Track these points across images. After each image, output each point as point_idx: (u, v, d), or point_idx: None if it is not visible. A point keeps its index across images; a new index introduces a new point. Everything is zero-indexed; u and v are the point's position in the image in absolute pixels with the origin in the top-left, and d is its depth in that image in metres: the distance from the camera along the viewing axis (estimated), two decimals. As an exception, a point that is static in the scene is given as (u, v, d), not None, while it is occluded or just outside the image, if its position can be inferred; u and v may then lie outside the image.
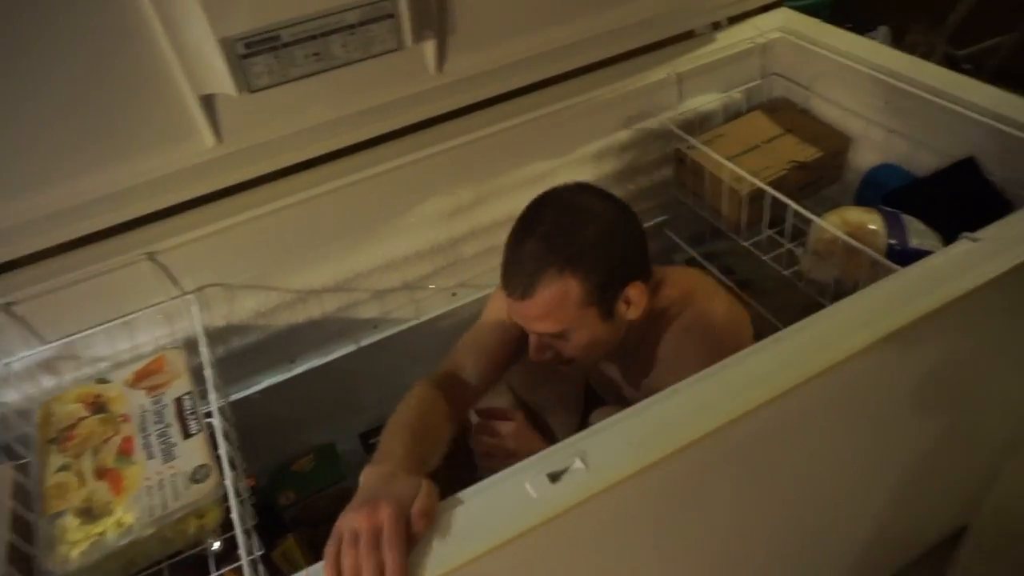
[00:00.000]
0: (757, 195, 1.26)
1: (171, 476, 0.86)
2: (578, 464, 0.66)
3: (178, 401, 0.95)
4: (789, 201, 1.18)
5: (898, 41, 2.51)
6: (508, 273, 0.94)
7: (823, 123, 1.42)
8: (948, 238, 1.08)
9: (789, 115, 1.44)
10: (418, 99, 1.16)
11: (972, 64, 2.57)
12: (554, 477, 0.65)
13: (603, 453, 0.67)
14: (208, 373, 0.99)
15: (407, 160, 1.22)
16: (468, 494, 0.67)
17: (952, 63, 2.51)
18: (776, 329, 0.78)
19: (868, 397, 0.88)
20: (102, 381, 0.99)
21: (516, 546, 0.63)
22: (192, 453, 0.88)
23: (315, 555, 1.19)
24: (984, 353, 1.00)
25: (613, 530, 0.76)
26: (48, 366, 1.09)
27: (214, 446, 0.90)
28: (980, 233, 0.84)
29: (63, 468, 0.88)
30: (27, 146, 0.93)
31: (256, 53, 0.96)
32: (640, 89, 1.37)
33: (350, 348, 1.35)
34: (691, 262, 1.56)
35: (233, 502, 0.84)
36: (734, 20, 1.46)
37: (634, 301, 0.96)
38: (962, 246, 0.84)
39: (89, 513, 0.82)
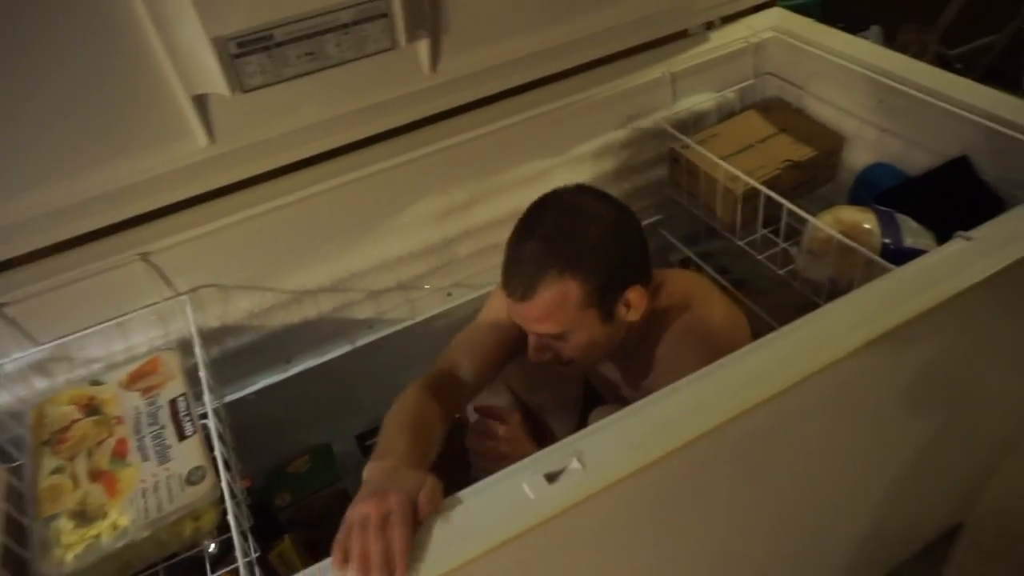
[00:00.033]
0: (751, 194, 1.26)
1: (166, 478, 0.85)
2: (575, 464, 0.66)
3: (173, 403, 0.95)
4: (783, 200, 1.18)
5: (890, 41, 2.52)
6: (508, 274, 0.95)
7: (817, 122, 1.42)
8: (942, 237, 1.09)
9: (783, 114, 1.44)
10: (412, 99, 1.16)
11: (963, 63, 2.58)
12: (551, 477, 0.65)
13: (600, 453, 0.67)
14: (203, 374, 0.99)
15: (401, 160, 1.22)
16: (465, 495, 0.67)
17: (943, 62, 2.52)
18: (771, 328, 0.78)
19: (864, 396, 0.88)
20: (96, 383, 0.99)
21: (514, 547, 0.63)
22: (187, 455, 0.88)
23: (311, 556, 1.20)
24: (979, 351, 1.00)
25: (611, 530, 0.76)
26: (41, 368, 1.08)
27: (209, 448, 0.89)
28: (974, 232, 0.85)
29: (57, 470, 0.87)
30: (19, 147, 0.93)
31: (249, 53, 0.96)
32: (634, 89, 1.37)
33: (346, 348, 1.35)
34: (686, 262, 1.57)
35: (229, 504, 0.83)
36: (727, 20, 1.46)
37: (634, 304, 0.97)
38: (956, 245, 0.84)
39: (84, 516, 0.82)
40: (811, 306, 1.11)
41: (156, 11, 0.89)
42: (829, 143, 1.37)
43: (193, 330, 1.08)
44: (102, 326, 1.07)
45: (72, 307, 1.07)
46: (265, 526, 1.17)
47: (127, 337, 1.13)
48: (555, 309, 0.92)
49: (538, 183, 1.36)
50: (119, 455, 0.89)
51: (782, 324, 0.79)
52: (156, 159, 1.02)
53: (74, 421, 0.93)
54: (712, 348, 0.76)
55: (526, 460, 0.68)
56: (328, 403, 1.38)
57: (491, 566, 0.64)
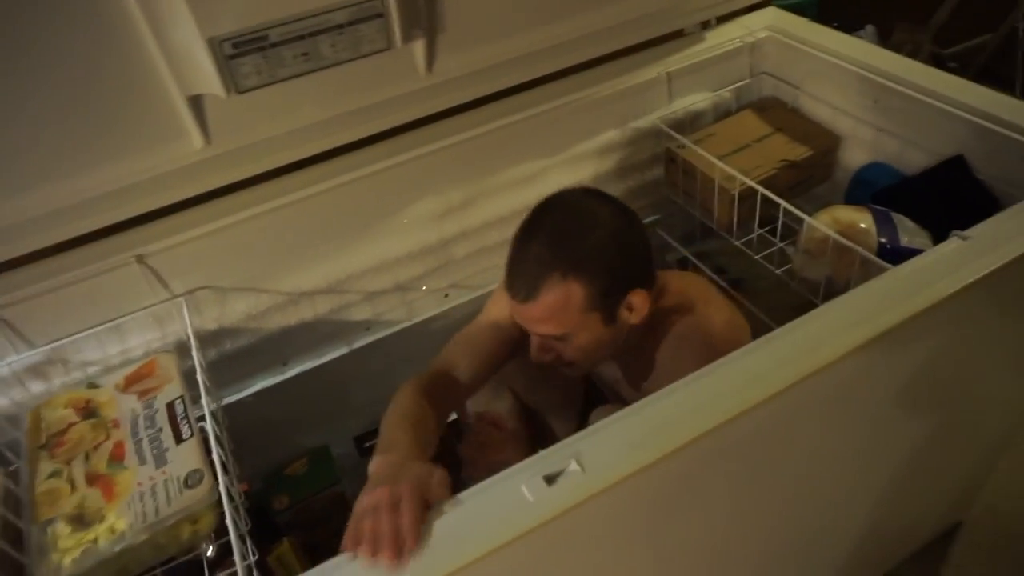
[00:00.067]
0: (748, 194, 1.27)
1: (164, 481, 0.85)
2: (574, 466, 0.66)
3: (170, 405, 0.94)
4: (780, 200, 1.19)
5: (884, 40, 2.52)
6: (512, 275, 0.95)
7: (813, 122, 1.42)
8: (938, 236, 1.09)
9: (779, 114, 1.45)
10: (408, 99, 1.16)
11: (957, 63, 2.59)
12: (550, 480, 0.65)
13: (599, 455, 0.67)
14: (200, 377, 0.99)
15: (397, 161, 1.21)
16: (464, 497, 0.67)
17: (938, 62, 2.53)
18: (769, 328, 0.78)
19: (862, 395, 0.89)
20: (92, 386, 0.99)
21: (512, 550, 0.63)
22: (185, 458, 0.87)
23: (310, 559, 1.19)
24: (975, 350, 1.00)
25: (610, 532, 0.76)
26: (37, 371, 1.08)
27: (207, 451, 0.89)
28: (970, 231, 0.85)
29: (54, 474, 0.87)
30: (13, 148, 0.92)
31: (244, 54, 0.96)
32: (630, 89, 1.37)
33: (342, 350, 1.34)
34: (682, 261, 1.57)
35: (227, 507, 0.83)
36: (723, 19, 1.46)
37: (637, 307, 0.97)
38: (953, 244, 0.84)
39: (81, 520, 0.82)
40: (808, 306, 1.12)
41: (151, 12, 0.88)
42: (825, 142, 1.38)
43: (190, 332, 1.07)
44: (98, 329, 1.07)
45: (68, 309, 1.06)
46: (263, 529, 1.17)
47: (123, 340, 1.12)
48: (558, 311, 0.92)
49: (534, 183, 1.37)
50: (116, 458, 0.88)
51: (779, 324, 0.79)
52: (151, 160, 1.01)
53: (71, 424, 0.93)
54: (713, 351, 0.76)
55: (525, 462, 0.68)
56: (325, 405, 1.38)
57: (490, 569, 0.64)
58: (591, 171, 1.41)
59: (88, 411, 0.95)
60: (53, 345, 1.05)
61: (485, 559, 0.62)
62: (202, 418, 0.94)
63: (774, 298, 1.37)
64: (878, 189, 1.24)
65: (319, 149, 1.15)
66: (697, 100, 1.45)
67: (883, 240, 1.09)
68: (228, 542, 0.81)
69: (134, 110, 0.96)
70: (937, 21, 2.52)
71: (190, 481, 0.85)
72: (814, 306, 0.81)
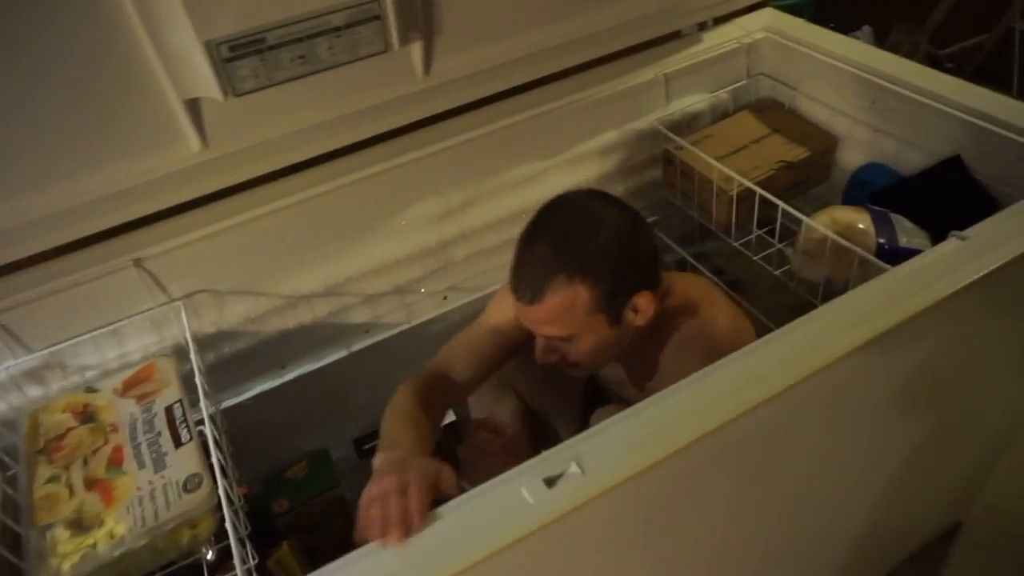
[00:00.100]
0: (746, 195, 1.27)
1: (163, 486, 0.85)
2: (574, 468, 0.66)
3: (168, 409, 0.94)
4: (778, 201, 1.19)
5: (881, 41, 2.53)
6: (517, 276, 0.95)
7: (810, 123, 1.43)
8: (936, 236, 1.09)
9: (776, 115, 1.45)
10: (406, 101, 1.16)
11: (954, 63, 2.59)
12: (550, 482, 0.65)
13: (599, 457, 0.67)
14: (198, 380, 0.99)
15: (396, 163, 1.21)
16: (464, 500, 0.67)
17: (934, 62, 2.54)
18: (768, 329, 0.78)
19: (861, 396, 0.89)
20: (91, 390, 0.98)
21: (512, 552, 0.63)
22: (184, 462, 0.87)
23: (310, 563, 1.19)
24: (975, 350, 1.01)
25: (610, 534, 0.76)
26: (34, 375, 1.08)
27: (206, 454, 0.89)
28: (969, 231, 0.85)
29: (52, 479, 0.87)
30: (10, 152, 0.92)
31: (241, 56, 0.96)
32: (627, 90, 1.38)
33: (341, 353, 1.34)
34: (681, 263, 1.57)
35: (226, 511, 0.83)
36: (719, 20, 1.46)
37: (642, 309, 0.97)
38: (951, 244, 0.84)
39: (80, 524, 0.81)
40: (807, 306, 1.12)
41: (147, 15, 0.88)
42: (822, 143, 1.38)
43: (188, 336, 1.07)
44: (96, 333, 1.07)
45: (65, 314, 1.06)
46: (263, 533, 1.16)
47: (121, 344, 1.12)
48: (563, 313, 0.92)
49: (533, 185, 1.37)
50: (115, 463, 0.88)
51: (778, 324, 0.79)
52: (149, 164, 1.01)
53: (69, 429, 0.93)
54: (716, 354, 0.76)
55: (525, 464, 0.68)
56: (325, 408, 1.38)
57: (490, 572, 0.64)
58: (589, 173, 1.41)
59: (86, 415, 0.95)
60: (51, 349, 1.05)
61: (485, 562, 0.62)
62: (201, 422, 0.94)
63: (773, 299, 1.37)
64: (876, 189, 1.24)
65: (317, 152, 1.15)
66: (694, 101, 1.45)
67: (882, 241, 1.09)
68: (228, 546, 0.81)
69: (131, 114, 0.96)
70: (933, 21, 2.53)
71: (189, 485, 0.85)
72: (813, 307, 0.81)
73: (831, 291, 1.15)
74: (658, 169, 1.48)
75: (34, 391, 1.08)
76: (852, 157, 1.37)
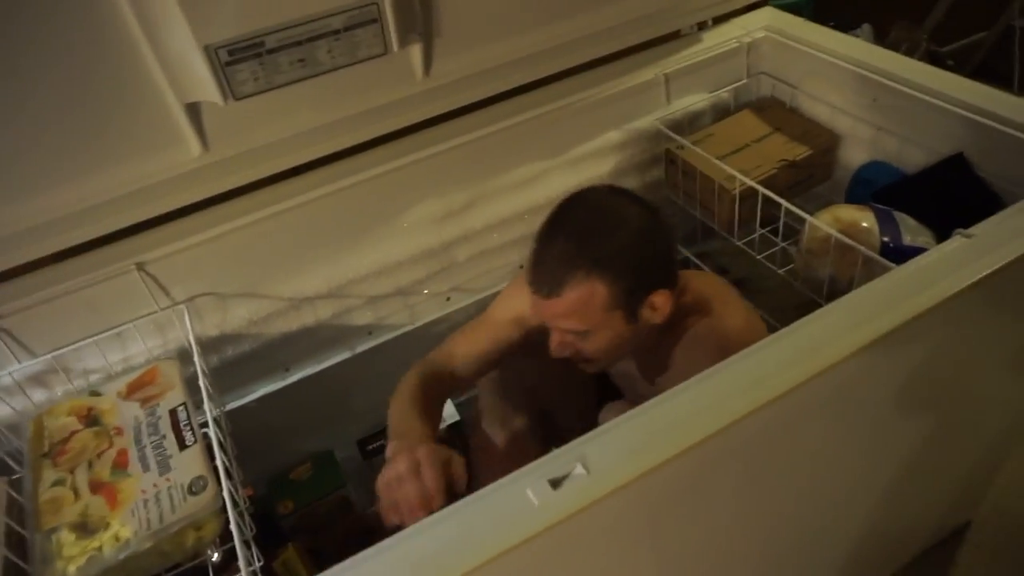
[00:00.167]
0: (748, 194, 1.27)
1: (168, 488, 0.85)
2: (579, 469, 0.66)
3: (173, 412, 0.94)
4: (781, 200, 1.19)
5: (881, 39, 2.53)
6: (535, 270, 0.95)
7: (812, 121, 1.42)
8: (939, 234, 1.09)
9: (777, 114, 1.45)
10: (406, 103, 1.16)
11: (954, 60, 2.59)
12: (555, 483, 0.65)
13: (604, 458, 0.67)
14: (202, 383, 0.99)
15: (397, 165, 1.21)
16: (468, 502, 0.67)
17: (935, 60, 2.53)
18: (773, 328, 0.78)
19: (865, 396, 0.88)
20: (95, 393, 0.99)
21: (517, 554, 0.63)
22: (188, 465, 0.87)
23: (315, 564, 1.19)
24: (981, 349, 1.00)
25: (615, 535, 0.76)
26: (39, 380, 1.08)
27: (211, 457, 0.89)
28: (974, 229, 0.85)
29: (57, 483, 0.87)
30: (12, 158, 0.92)
31: (240, 60, 0.96)
32: (628, 90, 1.38)
33: (345, 355, 1.34)
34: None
35: (231, 513, 0.83)
36: (719, 20, 1.46)
37: (659, 307, 0.97)
38: (956, 242, 0.84)
39: (85, 528, 0.82)
40: (811, 305, 1.12)
41: (146, 20, 0.88)
42: (824, 141, 1.38)
43: (191, 339, 1.07)
44: (99, 336, 1.07)
45: (69, 318, 1.06)
46: (268, 534, 1.17)
47: (125, 347, 1.12)
48: (580, 308, 0.93)
49: (534, 185, 1.37)
50: (120, 466, 0.88)
51: (783, 323, 0.79)
52: (150, 168, 1.01)
53: (74, 432, 0.93)
54: (727, 353, 0.76)
55: (530, 465, 0.67)
56: (329, 409, 1.38)
57: (495, 574, 0.64)
58: (591, 173, 1.41)
59: (91, 419, 0.95)
60: (55, 353, 1.05)
61: (490, 564, 0.62)
62: (205, 424, 0.94)
63: (777, 298, 1.37)
64: (879, 188, 1.24)
65: (318, 154, 1.15)
66: (695, 101, 1.45)
67: (886, 239, 1.09)
68: (233, 548, 0.81)
69: (131, 118, 0.96)
70: (933, 19, 2.52)
71: (194, 488, 0.85)
72: (818, 305, 0.81)
73: (835, 290, 1.15)
74: (660, 169, 1.48)
75: (38, 395, 1.08)
76: (854, 155, 1.36)
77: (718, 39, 1.43)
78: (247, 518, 0.88)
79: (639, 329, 0.98)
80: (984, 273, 0.79)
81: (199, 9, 0.89)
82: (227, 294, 1.18)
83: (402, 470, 0.79)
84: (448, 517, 0.66)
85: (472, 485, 0.80)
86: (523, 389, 1.21)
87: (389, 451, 0.85)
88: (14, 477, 0.94)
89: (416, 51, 1.10)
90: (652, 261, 0.96)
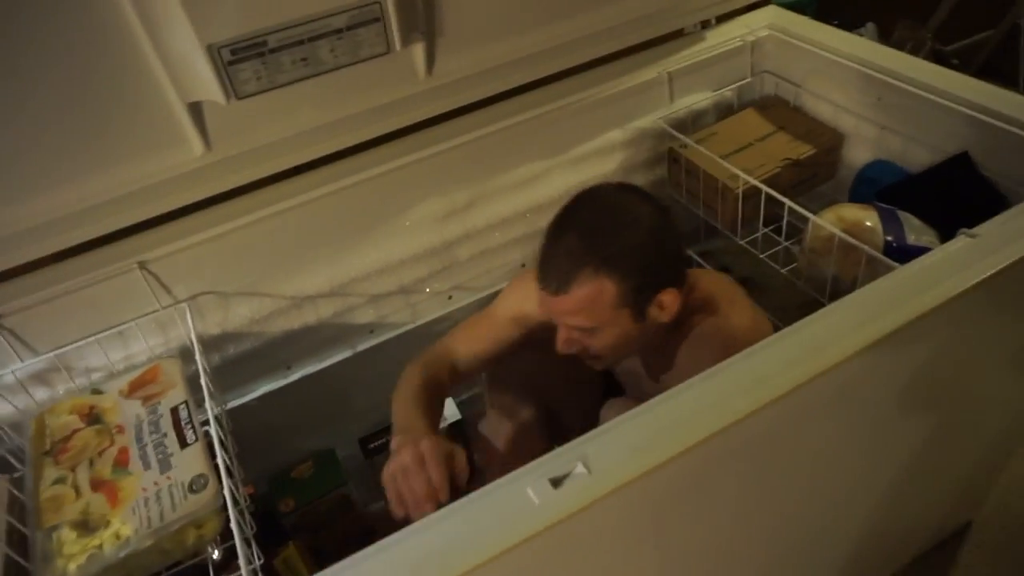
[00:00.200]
0: (751, 193, 1.26)
1: (168, 486, 0.85)
2: (580, 468, 0.66)
3: (174, 410, 0.94)
4: (784, 199, 1.18)
5: (885, 37, 2.52)
6: (544, 267, 0.95)
7: (815, 120, 1.42)
8: (944, 233, 1.09)
9: (781, 112, 1.44)
10: (408, 102, 1.16)
11: (959, 59, 2.58)
12: (556, 482, 0.65)
13: (605, 457, 0.67)
14: (204, 381, 0.99)
15: (399, 163, 1.21)
16: (469, 500, 0.67)
17: (939, 58, 2.52)
18: (776, 328, 0.78)
19: (868, 395, 0.88)
20: (96, 392, 0.99)
21: (518, 553, 0.63)
22: (189, 463, 0.87)
23: (316, 562, 1.19)
24: (985, 349, 1.00)
25: (616, 534, 0.76)
26: (40, 378, 1.08)
27: (212, 455, 0.89)
28: (978, 229, 0.84)
29: (58, 481, 0.87)
30: (14, 157, 0.92)
31: (243, 60, 0.96)
32: (631, 89, 1.37)
33: (346, 354, 1.34)
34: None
35: (232, 511, 0.83)
36: (723, 18, 1.46)
37: (667, 305, 0.97)
38: (960, 242, 0.84)
39: (86, 526, 0.82)
40: (814, 304, 1.11)
41: (149, 20, 0.88)
42: (828, 140, 1.37)
43: (193, 337, 1.07)
44: (101, 335, 1.07)
45: (71, 317, 1.06)
46: (269, 532, 1.17)
47: (127, 346, 1.12)
48: (588, 305, 0.93)
49: (537, 184, 1.36)
50: (121, 464, 0.88)
51: (786, 323, 0.78)
52: (152, 167, 1.01)
53: (75, 431, 0.93)
54: (731, 353, 0.75)
55: (531, 464, 0.67)
56: (330, 408, 1.38)
57: (495, 573, 0.64)
58: (594, 171, 1.40)
59: (92, 417, 0.95)
60: (57, 352, 1.05)
61: (491, 563, 0.62)
62: (206, 423, 0.94)
63: (780, 297, 1.37)
64: (883, 187, 1.23)
65: (320, 153, 1.15)
66: (698, 99, 1.45)
67: (889, 238, 1.08)
68: (234, 546, 0.81)
69: (134, 117, 0.96)
70: (938, 18, 2.51)
71: (195, 486, 0.85)
72: (821, 305, 0.81)
73: (838, 289, 1.14)
74: (663, 167, 1.48)
75: (40, 393, 1.08)
76: (858, 154, 1.36)
77: (721, 38, 1.43)
78: (248, 516, 0.88)
79: (646, 327, 0.98)
80: (988, 273, 0.79)
81: (202, 9, 0.89)
82: (229, 292, 1.18)
83: (407, 463, 0.82)
84: (449, 516, 0.66)
85: (479, 479, 0.83)
86: (529, 384, 1.22)
87: (393, 445, 0.87)
88: (15, 475, 0.94)
89: (418, 50, 1.10)
90: (661, 260, 0.96)
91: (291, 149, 1.11)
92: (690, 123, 1.44)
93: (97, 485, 0.86)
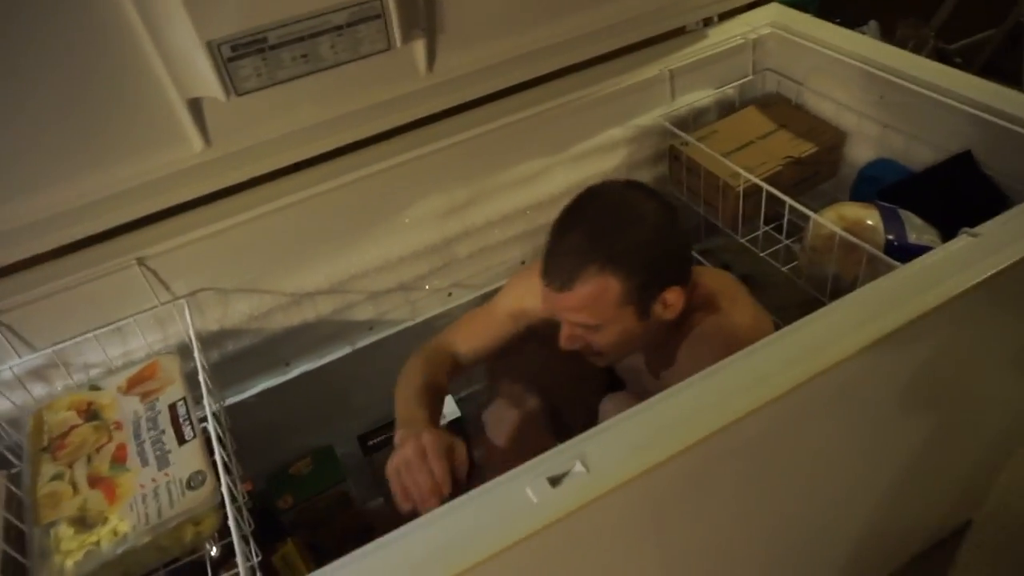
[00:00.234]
0: (753, 191, 1.26)
1: (166, 483, 0.85)
2: (579, 467, 0.65)
3: (172, 407, 0.94)
4: (785, 197, 1.18)
5: (888, 36, 2.51)
6: (549, 262, 0.95)
7: (817, 118, 1.41)
8: (945, 233, 1.08)
9: (783, 110, 1.44)
10: (409, 99, 1.15)
11: (962, 58, 2.58)
12: (554, 481, 0.65)
13: (604, 456, 0.66)
14: (202, 378, 0.98)
15: (400, 160, 1.21)
16: (467, 499, 0.66)
17: (942, 57, 2.52)
18: (777, 326, 0.78)
19: (868, 395, 0.88)
20: (94, 388, 0.98)
21: (516, 552, 0.63)
22: (187, 459, 0.87)
23: (315, 559, 1.19)
24: (985, 349, 1.00)
25: (615, 533, 0.76)
26: (39, 374, 1.08)
27: (210, 452, 0.89)
28: (980, 228, 0.84)
29: (56, 477, 0.87)
30: (14, 152, 0.92)
31: (243, 56, 0.95)
32: (633, 86, 1.37)
33: (346, 350, 1.34)
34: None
35: (229, 508, 0.82)
36: (725, 16, 1.45)
37: (671, 304, 0.97)
38: (962, 241, 0.83)
39: (83, 522, 0.81)
40: (815, 303, 1.11)
41: (148, 16, 0.88)
42: (830, 139, 1.37)
43: (191, 334, 1.07)
44: (100, 331, 1.07)
45: (69, 312, 1.06)
46: (268, 529, 1.17)
47: (125, 342, 1.12)
48: (592, 303, 0.93)
49: (537, 182, 1.36)
50: (119, 460, 0.88)
51: (786, 321, 0.78)
52: (152, 163, 1.01)
53: (73, 427, 0.93)
54: (732, 351, 0.75)
55: (529, 463, 0.67)
56: (329, 405, 1.38)
57: (494, 572, 0.64)
58: (595, 169, 1.40)
59: (90, 413, 0.94)
60: (55, 348, 1.05)
61: (489, 562, 0.62)
62: (204, 419, 0.94)
63: (781, 295, 1.36)
64: (884, 186, 1.23)
65: (320, 150, 1.14)
66: (700, 97, 1.44)
67: (890, 237, 1.08)
68: (232, 543, 0.81)
69: (134, 114, 0.96)
70: (941, 16, 2.51)
71: (192, 483, 0.84)
72: (821, 303, 0.81)
73: (839, 288, 1.14)
74: (664, 165, 1.47)
75: (38, 389, 1.08)
76: (860, 153, 1.36)
77: (723, 35, 1.43)
78: (246, 513, 0.87)
79: (650, 325, 0.98)
80: (990, 273, 0.79)
81: (202, 5, 0.89)
82: (228, 289, 1.18)
83: (409, 457, 0.84)
84: (447, 514, 0.65)
85: (478, 474, 0.86)
86: (533, 377, 1.22)
87: (397, 439, 0.89)
88: (13, 471, 0.94)
89: (419, 47, 1.09)
90: (666, 258, 0.96)
91: (291, 146, 1.11)
92: (691, 121, 1.44)
93: (95, 481, 0.86)
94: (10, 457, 0.98)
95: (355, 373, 1.35)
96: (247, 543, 0.83)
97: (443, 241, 1.32)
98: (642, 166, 1.46)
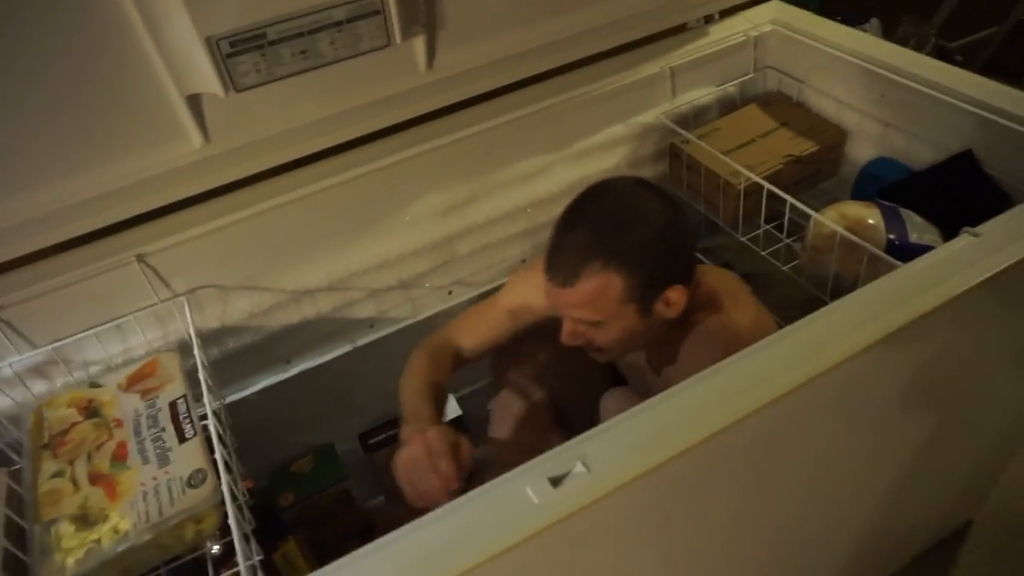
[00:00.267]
0: (753, 189, 1.26)
1: (167, 481, 0.84)
2: (579, 467, 0.65)
3: (172, 405, 0.94)
4: (786, 196, 1.17)
5: (889, 34, 2.50)
6: (552, 258, 0.95)
7: (818, 116, 1.41)
8: (947, 232, 1.08)
9: (784, 109, 1.44)
10: (409, 96, 1.15)
11: (963, 56, 2.57)
12: (555, 481, 0.65)
13: (605, 456, 0.66)
14: (202, 375, 0.98)
15: (399, 158, 1.21)
16: (468, 499, 0.66)
17: (944, 55, 2.51)
18: (778, 325, 0.78)
19: (869, 395, 0.88)
20: (95, 385, 0.98)
21: (517, 553, 0.62)
22: (188, 457, 0.87)
23: (316, 557, 1.19)
24: (986, 349, 1.00)
25: (616, 534, 0.76)
26: (39, 371, 1.08)
27: (210, 449, 0.89)
28: (981, 228, 0.84)
29: (56, 474, 0.86)
30: (12, 149, 0.92)
31: (242, 52, 0.95)
32: (633, 84, 1.36)
33: (346, 348, 1.34)
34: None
35: (230, 507, 0.82)
36: (726, 13, 1.45)
37: (674, 302, 0.97)
38: (963, 241, 0.83)
39: (84, 520, 0.81)
40: (816, 302, 1.11)
41: (147, 12, 0.88)
42: (831, 137, 1.37)
43: (191, 331, 1.07)
44: (100, 328, 1.07)
45: (69, 309, 1.06)
46: (269, 527, 1.17)
47: (125, 339, 1.12)
48: (595, 299, 0.93)
49: (538, 179, 1.36)
50: (119, 458, 0.88)
51: (787, 321, 0.78)
52: (151, 160, 1.01)
53: (73, 424, 0.93)
54: (733, 351, 0.75)
55: (530, 463, 0.67)
56: (330, 403, 1.38)
57: (494, 572, 0.64)
58: (595, 166, 1.40)
59: (90, 411, 0.94)
60: (55, 345, 1.05)
61: (490, 563, 0.62)
62: (205, 417, 0.93)
63: (782, 295, 1.36)
64: (886, 184, 1.23)
65: (319, 147, 1.14)
66: (701, 95, 1.44)
67: (892, 236, 1.08)
68: (233, 540, 0.81)
69: (132, 110, 0.96)
70: (942, 14, 2.50)
71: (193, 481, 0.84)
72: (823, 303, 0.80)
73: (840, 287, 1.14)
74: (664, 163, 1.47)
75: (38, 386, 1.08)
76: (861, 151, 1.35)
77: (724, 33, 1.42)
78: (246, 511, 0.87)
79: (652, 323, 0.98)
80: (991, 272, 0.78)
81: (201, 1, 0.88)
82: (228, 286, 1.18)
83: (416, 452, 0.85)
84: (448, 514, 0.65)
85: (487, 467, 0.88)
86: (538, 375, 1.23)
87: (403, 434, 0.90)
88: (14, 468, 0.94)
89: (419, 43, 1.09)
90: (670, 256, 0.96)
91: (291, 142, 1.10)
92: (692, 118, 1.44)
93: (95, 479, 0.86)
94: (10, 454, 0.98)
95: (356, 371, 1.35)
96: (248, 541, 0.83)
97: (444, 239, 1.31)
98: (643, 164, 1.46)
